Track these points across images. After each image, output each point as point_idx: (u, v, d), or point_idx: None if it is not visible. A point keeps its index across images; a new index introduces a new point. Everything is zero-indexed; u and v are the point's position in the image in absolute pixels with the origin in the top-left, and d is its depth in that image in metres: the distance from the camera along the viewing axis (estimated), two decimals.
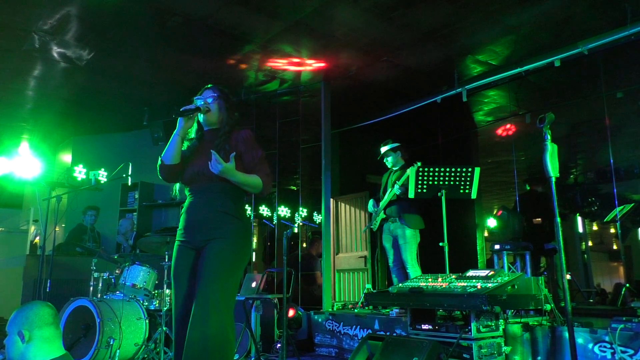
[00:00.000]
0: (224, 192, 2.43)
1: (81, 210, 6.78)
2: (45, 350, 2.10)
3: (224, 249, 2.36)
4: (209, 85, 2.67)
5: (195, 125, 2.59)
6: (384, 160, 5.06)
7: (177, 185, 2.63)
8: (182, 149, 2.56)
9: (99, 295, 4.40)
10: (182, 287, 2.41)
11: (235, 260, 2.39)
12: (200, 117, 2.58)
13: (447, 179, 4.38)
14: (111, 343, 3.88)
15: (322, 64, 5.76)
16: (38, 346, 2.10)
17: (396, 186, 4.74)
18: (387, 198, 4.86)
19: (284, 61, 5.69)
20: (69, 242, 6.42)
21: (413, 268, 4.66)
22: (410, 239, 4.71)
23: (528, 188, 6.57)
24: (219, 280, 2.30)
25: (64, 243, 6.37)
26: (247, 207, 2.76)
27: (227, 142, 2.49)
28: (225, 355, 2.27)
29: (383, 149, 5.03)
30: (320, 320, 5.18)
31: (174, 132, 2.51)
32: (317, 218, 9.44)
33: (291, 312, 5.25)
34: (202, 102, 2.54)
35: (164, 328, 4.16)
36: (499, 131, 6.94)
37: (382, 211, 4.93)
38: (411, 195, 4.48)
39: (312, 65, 5.77)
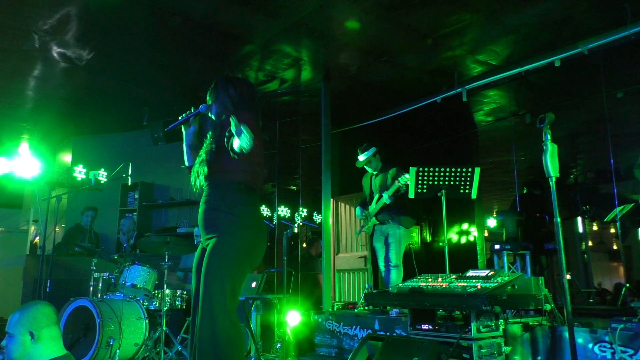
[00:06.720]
0: (214, 187, 2.46)
1: (80, 210, 6.80)
2: (51, 349, 2.12)
3: (217, 246, 2.36)
4: (213, 84, 2.66)
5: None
6: (366, 166, 5.04)
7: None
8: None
9: (99, 295, 4.41)
10: (194, 282, 2.50)
11: (227, 256, 2.34)
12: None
13: (447, 179, 4.38)
14: (111, 343, 3.88)
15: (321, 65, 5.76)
16: (45, 345, 2.11)
17: (385, 196, 4.74)
18: (377, 206, 4.87)
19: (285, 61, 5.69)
20: (67, 242, 6.42)
21: (397, 269, 4.64)
22: (400, 238, 4.72)
23: (525, 191, 6.56)
24: (213, 277, 2.32)
25: (62, 243, 6.37)
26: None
27: (225, 128, 2.45)
28: (229, 352, 2.28)
29: (363, 157, 4.96)
30: (320, 320, 5.18)
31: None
32: (317, 218, 9.43)
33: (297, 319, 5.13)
34: (205, 105, 2.58)
35: (164, 328, 4.17)
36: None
37: (374, 217, 4.94)
38: (411, 195, 4.49)
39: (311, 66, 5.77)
